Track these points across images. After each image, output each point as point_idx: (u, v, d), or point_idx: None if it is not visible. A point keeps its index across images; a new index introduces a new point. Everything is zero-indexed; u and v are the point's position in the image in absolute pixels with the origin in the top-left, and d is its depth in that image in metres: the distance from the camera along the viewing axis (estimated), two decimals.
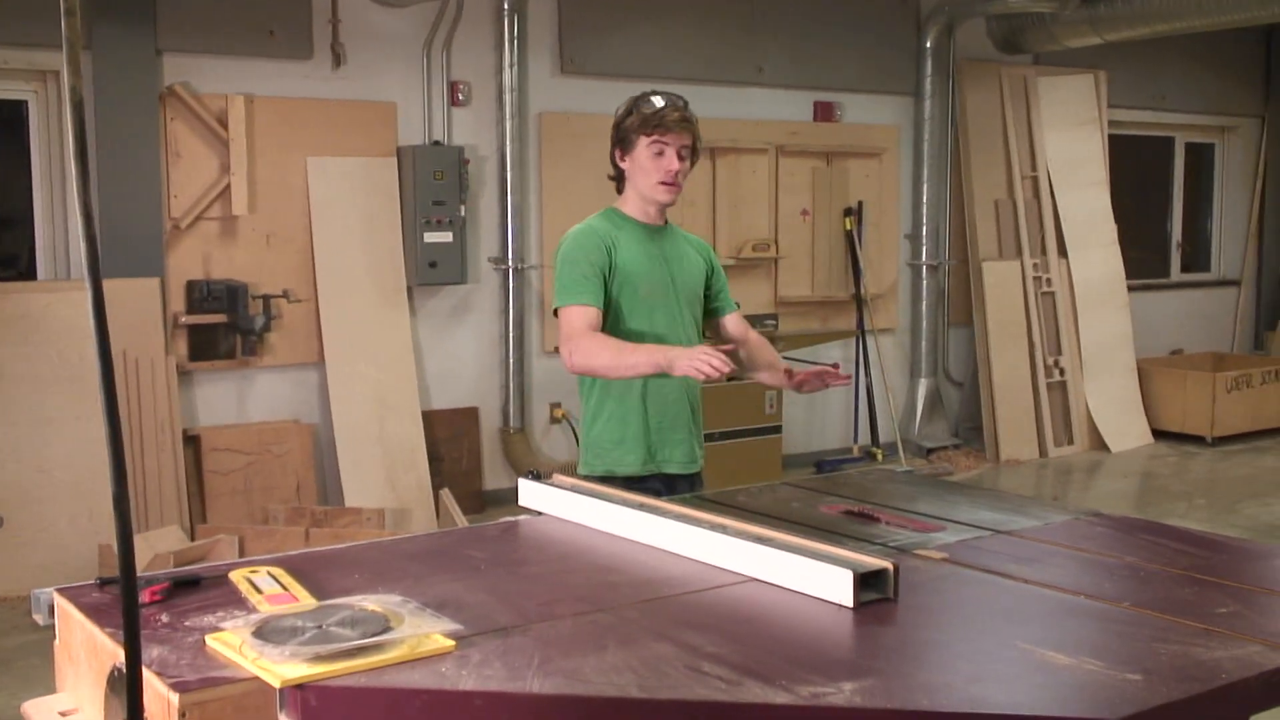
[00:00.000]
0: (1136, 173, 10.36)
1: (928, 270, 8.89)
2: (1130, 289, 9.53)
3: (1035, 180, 9.14)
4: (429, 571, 2.45)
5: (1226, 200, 10.94)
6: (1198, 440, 9.23)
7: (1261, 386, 9.45)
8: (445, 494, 6.64)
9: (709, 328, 3.61)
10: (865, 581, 2.25)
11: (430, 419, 6.98)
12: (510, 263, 7.20)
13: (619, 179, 3.42)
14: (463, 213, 6.90)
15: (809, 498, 3.13)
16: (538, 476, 3.06)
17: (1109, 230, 9.38)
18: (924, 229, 8.84)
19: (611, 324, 3.31)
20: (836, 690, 1.83)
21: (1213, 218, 10.94)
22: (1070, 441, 9.05)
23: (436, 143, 6.95)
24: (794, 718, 1.79)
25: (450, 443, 7.11)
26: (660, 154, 3.28)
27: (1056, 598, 2.33)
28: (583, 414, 3.45)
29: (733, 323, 3.62)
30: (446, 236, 6.84)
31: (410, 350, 6.89)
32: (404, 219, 6.83)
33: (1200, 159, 10.83)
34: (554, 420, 7.50)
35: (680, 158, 3.30)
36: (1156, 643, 2.04)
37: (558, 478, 3.06)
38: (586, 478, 3.22)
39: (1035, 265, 9.04)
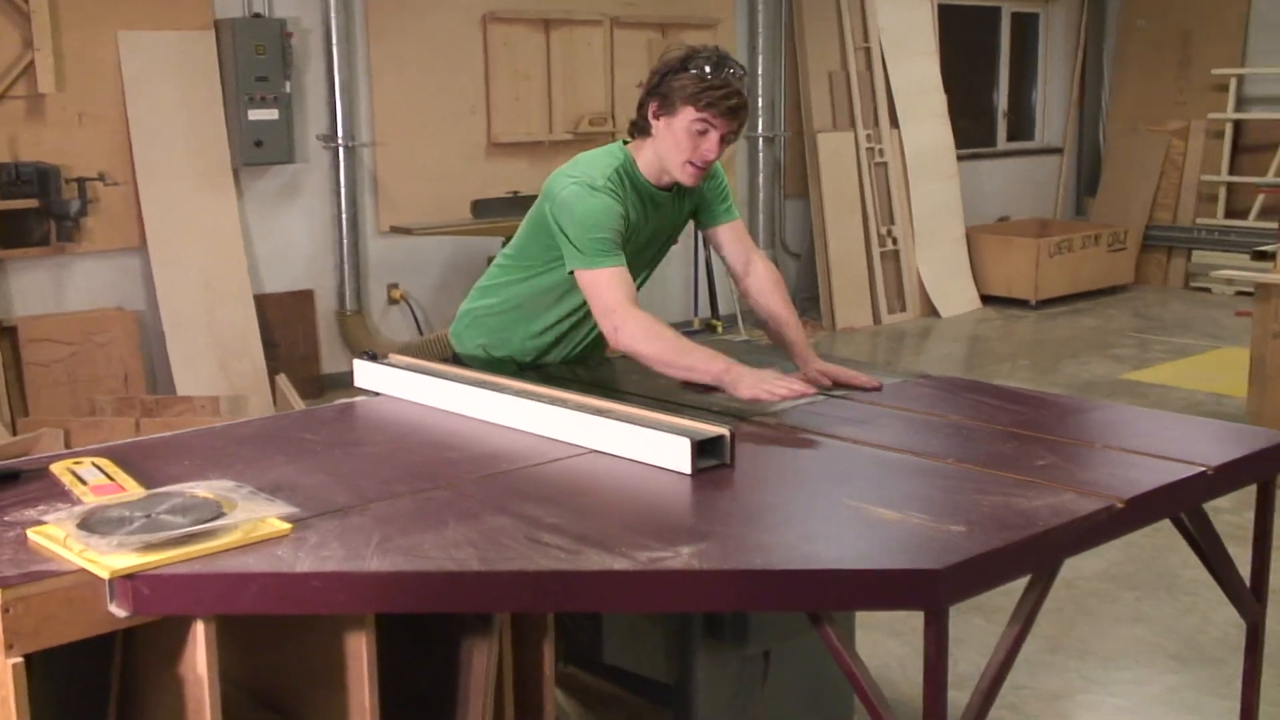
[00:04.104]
0: (964, 43, 10.51)
1: (764, 142, 8.94)
2: (959, 158, 9.75)
3: (868, 51, 9.21)
4: (262, 456, 2.41)
5: (1050, 69, 11.21)
6: (1022, 304, 9.58)
7: (1081, 251, 9.83)
8: (281, 379, 6.50)
9: (705, 239, 3.27)
10: (703, 449, 2.28)
11: (263, 303, 6.79)
12: (340, 141, 6.98)
13: (641, 129, 2.98)
14: (287, 89, 6.64)
15: (648, 369, 3.15)
16: (374, 357, 3.02)
17: (939, 101, 9.54)
18: (759, 100, 8.84)
19: None
20: (674, 554, 1.87)
21: (1037, 87, 11.21)
22: (903, 309, 9.30)
23: (256, 15, 6.64)
24: (632, 583, 1.83)
25: (285, 327, 6.95)
26: (703, 133, 2.86)
27: (885, 457, 2.41)
28: (478, 296, 3.18)
29: (727, 235, 3.19)
30: (272, 114, 6.59)
31: (238, 233, 6.67)
32: (225, 96, 6.55)
33: (1025, 29, 11.05)
34: (392, 301, 7.38)
35: (723, 142, 2.89)
36: (979, 495, 2.13)
37: (394, 357, 3.02)
38: (471, 357, 3.15)
39: (868, 136, 9.16)
